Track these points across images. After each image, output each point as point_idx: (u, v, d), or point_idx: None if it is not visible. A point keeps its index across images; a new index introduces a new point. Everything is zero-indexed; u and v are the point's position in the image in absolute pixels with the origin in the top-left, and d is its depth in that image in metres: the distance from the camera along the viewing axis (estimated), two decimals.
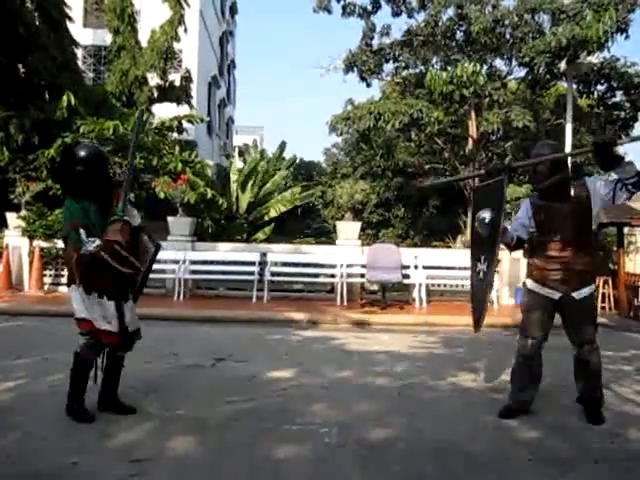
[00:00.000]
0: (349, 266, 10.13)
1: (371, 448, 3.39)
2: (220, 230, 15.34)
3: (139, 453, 3.17)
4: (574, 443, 3.54)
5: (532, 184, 3.97)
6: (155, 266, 11.53)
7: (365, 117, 14.02)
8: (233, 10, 36.59)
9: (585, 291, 3.83)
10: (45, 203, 11.16)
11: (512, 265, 10.62)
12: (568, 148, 11.13)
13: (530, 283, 4.02)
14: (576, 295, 3.81)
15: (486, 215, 3.65)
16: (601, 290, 11.46)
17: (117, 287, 3.64)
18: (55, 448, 3.25)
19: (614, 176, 3.68)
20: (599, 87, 14.82)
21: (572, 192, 3.78)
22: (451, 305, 10.15)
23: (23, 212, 10.72)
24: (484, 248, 3.76)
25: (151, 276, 10.80)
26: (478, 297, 3.98)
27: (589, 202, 3.73)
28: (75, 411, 3.68)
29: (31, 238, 10.52)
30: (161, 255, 11.23)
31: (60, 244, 10.58)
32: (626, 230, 12.31)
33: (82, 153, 3.64)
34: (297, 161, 22.58)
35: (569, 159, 3.88)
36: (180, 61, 20.73)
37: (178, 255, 10.22)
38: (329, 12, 13.97)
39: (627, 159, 3.62)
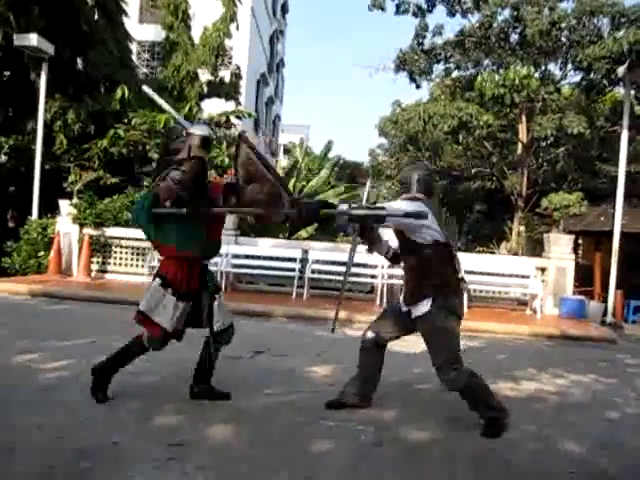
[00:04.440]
0: (390, 267, 10.05)
1: (407, 450, 3.35)
2: (263, 226, 15.48)
3: (178, 438, 3.23)
4: (620, 460, 3.42)
5: None
6: None
7: (413, 120, 13.92)
8: (284, 9, 36.86)
9: (421, 309, 3.64)
10: (96, 192, 11.49)
11: (558, 274, 10.34)
12: (623, 157, 10.73)
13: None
14: (414, 311, 3.70)
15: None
16: None
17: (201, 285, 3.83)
18: (98, 427, 3.34)
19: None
20: None
21: None
22: (493, 311, 9.94)
23: (75, 200, 11.06)
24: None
25: None
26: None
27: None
28: (99, 388, 3.75)
29: (81, 225, 10.84)
30: None
31: (108, 232, 10.91)
32: None
33: None
34: (340, 161, 22.58)
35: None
36: (230, 58, 21.02)
37: (221, 248, 10.33)
38: (383, 9, 13.90)
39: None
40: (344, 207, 3.45)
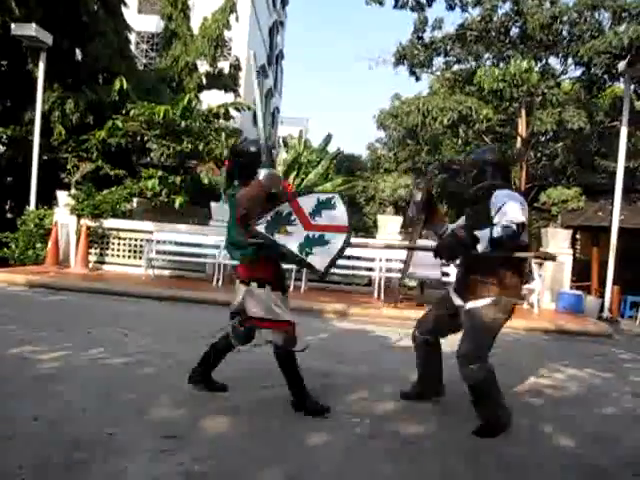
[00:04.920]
0: (388, 260, 10.06)
1: (403, 442, 3.36)
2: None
3: (173, 430, 3.24)
4: (613, 454, 3.43)
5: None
6: (195, 250, 11.60)
7: (413, 113, 13.87)
8: (284, 1, 36.68)
9: (480, 303, 3.54)
10: (94, 183, 11.47)
11: (555, 269, 10.36)
12: (622, 152, 10.73)
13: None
14: (469, 305, 3.60)
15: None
16: None
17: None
18: (93, 418, 3.35)
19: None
20: None
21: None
22: None
23: (73, 191, 11.04)
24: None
25: (191, 260, 11.11)
26: None
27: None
28: (310, 404, 3.72)
29: (79, 216, 10.83)
30: (202, 240, 11.45)
31: (106, 223, 10.89)
32: None
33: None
34: (340, 155, 22.51)
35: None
36: (230, 49, 20.95)
37: (219, 240, 10.34)
38: (381, 4, 13.83)
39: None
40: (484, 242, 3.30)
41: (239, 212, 3.49)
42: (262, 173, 3.44)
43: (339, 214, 3.50)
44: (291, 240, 3.45)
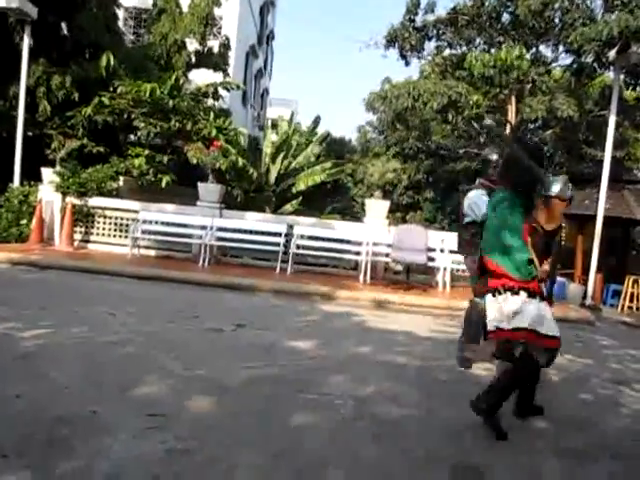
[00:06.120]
0: (375, 244, 10.07)
1: (386, 424, 3.40)
2: (249, 200, 15.41)
3: (158, 408, 3.24)
4: (590, 437, 3.50)
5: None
6: (182, 230, 11.55)
7: (403, 96, 13.80)
8: None
9: None
10: (80, 160, 11.31)
11: None
12: (610, 141, 10.78)
13: None
14: None
15: None
16: (630, 289, 11.25)
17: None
18: (77, 397, 3.34)
19: None
20: None
21: None
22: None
23: (58, 168, 10.88)
24: None
25: (178, 240, 11.05)
26: None
27: None
28: (494, 421, 3.37)
29: (64, 194, 10.68)
30: (189, 220, 11.36)
31: (91, 202, 10.77)
32: None
33: None
34: (329, 138, 22.44)
35: None
36: (220, 28, 20.58)
37: (206, 221, 10.29)
38: None
39: None
40: None
41: (529, 229, 3.45)
42: (558, 185, 3.60)
43: None
44: None
